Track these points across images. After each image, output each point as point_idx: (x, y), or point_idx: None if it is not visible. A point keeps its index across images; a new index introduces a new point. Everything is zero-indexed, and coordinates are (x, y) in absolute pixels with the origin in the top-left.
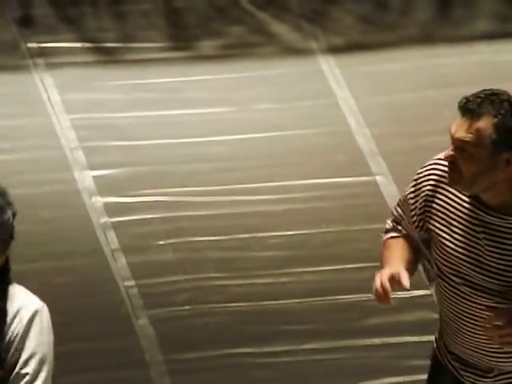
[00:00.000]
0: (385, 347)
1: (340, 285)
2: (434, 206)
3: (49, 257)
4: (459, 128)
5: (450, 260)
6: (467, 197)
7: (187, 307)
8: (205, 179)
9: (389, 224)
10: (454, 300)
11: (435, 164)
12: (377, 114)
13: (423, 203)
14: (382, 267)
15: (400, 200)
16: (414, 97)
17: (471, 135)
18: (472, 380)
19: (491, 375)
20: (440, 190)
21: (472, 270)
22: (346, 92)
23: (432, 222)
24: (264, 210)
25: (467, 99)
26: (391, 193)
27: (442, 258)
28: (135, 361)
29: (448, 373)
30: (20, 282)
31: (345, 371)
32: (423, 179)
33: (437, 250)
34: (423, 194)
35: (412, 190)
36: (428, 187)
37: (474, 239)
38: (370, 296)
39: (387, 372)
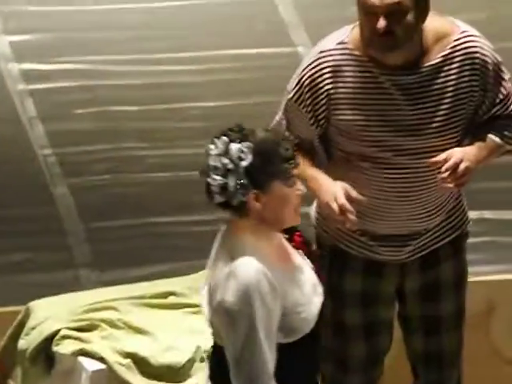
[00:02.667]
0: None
1: None
2: (339, 95)
3: None
4: None
5: (373, 138)
6: (370, 70)
7: (107, 176)
8: (125, 48)
9: None
10: (384, 177)
11: (321, 57)
12: None
13: (326, 99)
14: (304, 185)
15: (283, 111)
16: None
17: None
18: (390, 254)
19: (412, 245)
20: (339, 79)
21: (401, 135)
22: None
23: (339, 112)
24: (184, 80)
25: None
26: None
27: (362, 140)
28: (54, 229)
29: (353, 259)
30: None
31: None
32: (317, 77)
33: (353, 136)
34: (323, 90)
35: (304, 91)
36: (327, 81)
37: (393, 106)
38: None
39: None
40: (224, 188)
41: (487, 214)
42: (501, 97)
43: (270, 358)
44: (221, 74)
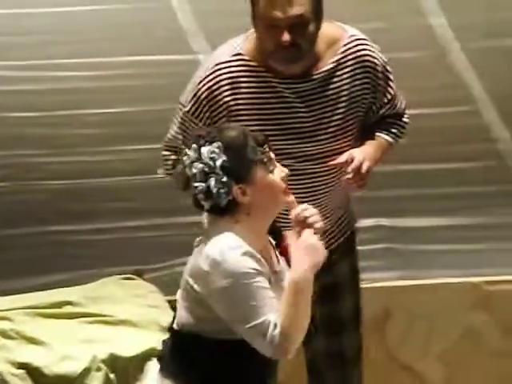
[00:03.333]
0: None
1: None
2: (238, 107)
3: None
4: (284, 7)
5: (274, 146)
6: (268, 79)
7: (6, 184)
8: (24, 53)
9: (171, 158)
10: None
11: (218, 70)
12: None
13: (225, 111)
14: None
15: (178, 124)
16: None
17: (302, 6)
18: None
19: None
20: (238, 91)
21: (300, 142)
22: None
23: (239, 123)
24: (84, 86)
25: None
26: None
27: None
28: None
29: None
30: None
31: (164, 248)
32: (214, 89)
33: None
34: (222, 102)
35: (201, 104)
36: (225, 94)
37: (293, 113)
38: None
39: None
40: (208, 192)
41: (383, 222)
42: (389, 97)
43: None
44: (120, 80)
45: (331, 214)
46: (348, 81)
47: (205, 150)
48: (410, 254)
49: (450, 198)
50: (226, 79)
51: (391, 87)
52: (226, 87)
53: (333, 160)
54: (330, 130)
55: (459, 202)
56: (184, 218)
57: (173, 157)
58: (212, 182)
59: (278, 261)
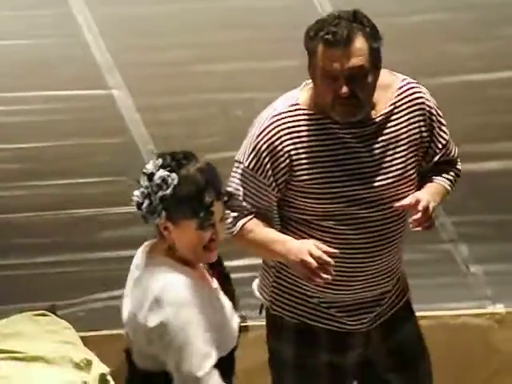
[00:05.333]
0: (118, 260)
1: (75, 198)
2: (299, 156)
3: None
4: (342, 59)
5: (337, 193)
6: (327, 126)
7: None
8: None
9: (231, 216)
10: (350, 233)
11: (276, 121)
12: (113, 25)
13: (286, 161)
14: (268, 252)
15: (238, 181)
16: (155, 9)
17: (361, 57)
18: (357, 320)
19: (375, 311)
20: (298, 140)
21: (365, 188)
22: (81, 2)
23: (301, 172)
24: None
25: (332, 32)
26: (128, 106)
27: (331, 197)
28: None
29: (318, 331)
30: None
31: (79, 284)
32: (275, 140)
33: (317, 196)
34: (283, 152)
35: (262, 157)
36: (286, 143)
37: (355, 159)
38: (105, 210)
39: (119, 284)
40: (139, 205)
41: None
42: (443, 142)
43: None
44: (33, 115)
45: (393, 272)
46: (405, 124)
47: (159, 174)
48: None
49: None
50: (285, 129)
51: (444, 132)
52: (286, 137)
53: (397, 203)
54: (392, 174)
55: None
56: (97, 253)
57: (233, 214)
58: (146, 202)
59: (212, 280)
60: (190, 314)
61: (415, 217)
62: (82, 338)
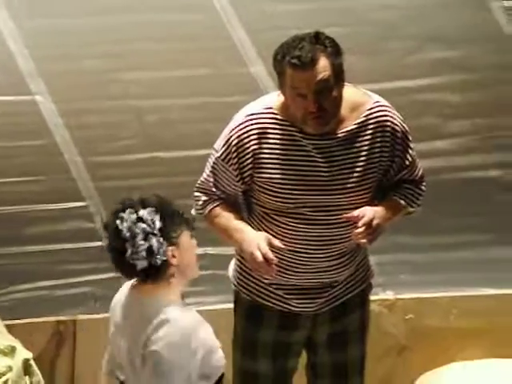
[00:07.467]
0: (41, 254)
1: (1, 197)
2: (263, 155)
3: None
4: (309, 79)
5: (291, 195)
6: (293, 133)
7: None
8: None
9: (201, 199)
10: (300, 231)
11: (249, 120)
12: (37, 36)
13: (251, 158)
14: (229, 237)
15: (211, 168)
16: (79, 23)
17: (325, 74)
18: (304, 305)
19: (324, 297)
20: (264, 141)
21: (316, 194)
22: (5, 14)
23: (262, 170)
24: None
25: (297, 56)
26: (50, 111)
27: (281, 197)
28: None
29: (268, 312)
30: None
31: (3, 276)
32: (244, 137)
33: (272, 193)
34: (249, 150)
35: (231, 150)
36: (253, 142)
37: (312, 166)
38: (30, 207)
39: (42, 276)
40: (149, 250)
41: (210, 251)
42: (407, 163)
43: None
44: None
45: (343, 265)
46: (368, 143)
47: (143, 212)
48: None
49: None
50: (255, 129)
51: (410, 154)
52: (254, 136)
53: (345, 213)
54: (347, 185)
55: None
56: (22, 247)
57: (203, 198)
58: (154, 241)
59: None
60: (186, 357)
61: (357, 230)
62: (7, 326)
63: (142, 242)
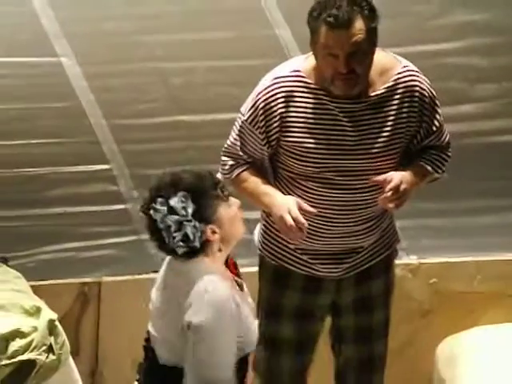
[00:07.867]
0: (65, 216)
1: (25, 158)
2: (290, 119)
3: None
4: (343, 40)
5: (318, 159)
6: (320, 97)
7: None
8: None
9: (228, 164)
10: (327, 196)
11: (276, 83)
12: None
13: (278, 121)
14: (257, 201)
15: (237, 132)
16: None
17: (360, 37)
18: (329, 270)
19: (348, 262)
20: (291, 104)
21: (344, 158)
22: None
23: (289, 134)
24: None
25: (334, 15)
26: (76, 74)
27: (308, 161)
28: None
29: (294, 276)
30: None
31: (28, 237)
32: (271, 101)
33: (298, 157)
34: (276, 113)
35: (258, 114)
36: (280, 105)
37: (339, 131)
38: (53, 169)
39: (67, 238)
40: (186, 239)
41: None
42: (434, 128)
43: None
44: None
45: (369, 230)
46: (396, 107)
47: (173, 201)
48: None
49: None
50: (282, 92)
51: (437, 120)
52: (281, 100)
53: (372, 178)
54: (374, 150)
55: None
56: (46, 209)
57: (230, 162)
58: (188, 229)
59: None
60: (227, 321)
61: (385, 195)
62: (32, 287)
63: (177, 233)
